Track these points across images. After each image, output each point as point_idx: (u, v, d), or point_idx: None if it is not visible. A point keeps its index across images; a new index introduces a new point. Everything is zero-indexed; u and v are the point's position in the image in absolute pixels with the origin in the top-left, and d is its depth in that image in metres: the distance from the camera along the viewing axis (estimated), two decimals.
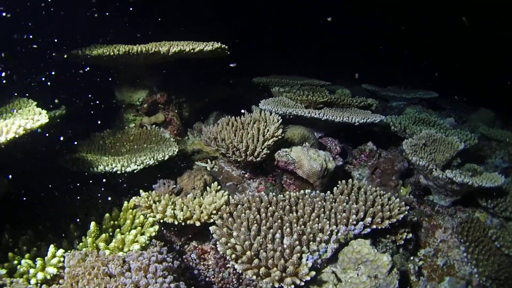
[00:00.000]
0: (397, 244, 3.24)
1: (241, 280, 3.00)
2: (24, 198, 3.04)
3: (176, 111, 4.16)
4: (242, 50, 5.59)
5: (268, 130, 3.41)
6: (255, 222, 2.84)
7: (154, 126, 4.00)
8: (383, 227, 2.98)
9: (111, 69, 4.04)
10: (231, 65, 4.26)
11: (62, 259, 2.54)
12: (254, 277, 2.54)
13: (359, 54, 7.16)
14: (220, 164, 3.77)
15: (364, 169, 4.07)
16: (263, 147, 3.30)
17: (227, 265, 2.99)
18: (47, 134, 3.23)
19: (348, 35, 7.40)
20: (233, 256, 2.63)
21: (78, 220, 3.03)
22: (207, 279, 3.02)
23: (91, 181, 3.37)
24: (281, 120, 3.59)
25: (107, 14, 3.96)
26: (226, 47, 3.80)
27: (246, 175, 3.61)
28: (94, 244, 2.74)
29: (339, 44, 7.31)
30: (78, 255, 2.47)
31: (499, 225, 3.90)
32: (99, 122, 3.93)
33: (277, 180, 3.53)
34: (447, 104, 6.53)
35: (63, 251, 2.59)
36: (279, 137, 3.43)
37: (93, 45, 3.65)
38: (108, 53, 3.50)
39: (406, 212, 3.12)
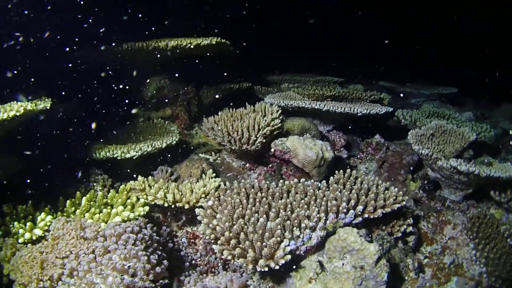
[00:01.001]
0: (395, 236, 2.93)
1: (227, 266, 2.82)
2: (32, 178, 3.08)
3: (183, 106, 4.05)
4: (259, 50, 5.47)
5: (265, 120, 3.22)
6: (240, 206, 2.66)
7: (160, 119, 3.91)
8: (376, 216, 2.70)
9: (124, 66, 3.99)
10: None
11: (49, 223, 2.65)
12: (230, 257, 2.36)
13: (379, 53, 6.78)
14: (223, 156, 3.62)
15: (371, 163, 3.77)
16: (257, 135, 3.11)
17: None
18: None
19: (368, 34, 7.07)
20: (212, 236, 2.48)
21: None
22: (193, 261, 2.88)
23: (93, 167, 3.35)
24: (280, 111, 3.40)
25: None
26: (227, 42, 3.66)
27: (247, 166, 3.43)
28: (81, 216, 2.76)
29: (359, 43, 6.98)
30: (62, 220, 2.59)
31: None
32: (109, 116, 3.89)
33: (276, 171, 3.31)
34: (470, 101, 6.04)
35: (52, 217, 2.69)
36: (276, 126, 3.24)
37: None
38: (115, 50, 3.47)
39: (404, 203, 2.82)
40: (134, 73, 3.90)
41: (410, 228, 2.98)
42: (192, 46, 3.47)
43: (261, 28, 5.72)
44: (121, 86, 3.82)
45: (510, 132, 4.74)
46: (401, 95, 5.77)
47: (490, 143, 4.29)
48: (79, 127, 3.57)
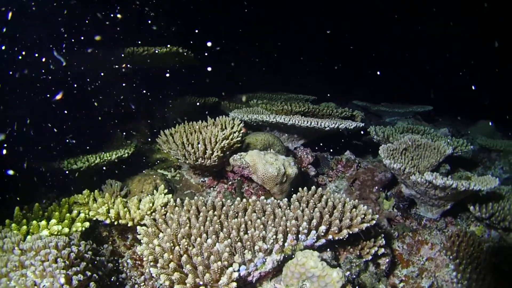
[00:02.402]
0: (365, 259, 2.44)
1: None
2: None
3: (145, 119, 3.59)
4: (235, 69, 5.09)
5: (224, 133, 2.77)
6: (187, 224, 2.18)
7: (118, 131, 3.44)
8: (341, 237, 2.22)
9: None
10: (208, 68, 3.68)
11: None
12: (167, 282, 1.86)
13: (355, 73, 6.43)
14: (182, 173, 3.14)
15: (341, 181, 3.30)
16: (214, 149, 2.65)
17: None
18: None
19: (345, 54, 6.74)
20: (151, 257, 1.98)
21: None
22: (135, 285, 2.36)
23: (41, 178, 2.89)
24: (241, 124, 2.95)
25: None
26: (190, 52, 3.23)
27: (206, 183, 2.95)
28: (7, 227, 2.31)
29: (336, 63, 6.63)
30: None
31: (497, 238, 2.98)
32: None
33: (236, 188, 2.84)
34: (444, 120, 5.64)
35: None
36: (235, 140, 2.77)
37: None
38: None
39: (374, 222, 2.34)
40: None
41: (382, 250, 2.49)
42: (149, 53, 3.03)
43: (236, 45, 5.36)
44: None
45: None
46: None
47: (467, 158, 3.86)
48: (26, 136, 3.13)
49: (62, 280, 1.82)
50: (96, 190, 2.66)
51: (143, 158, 3.32)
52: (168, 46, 3.10)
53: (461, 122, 5.69)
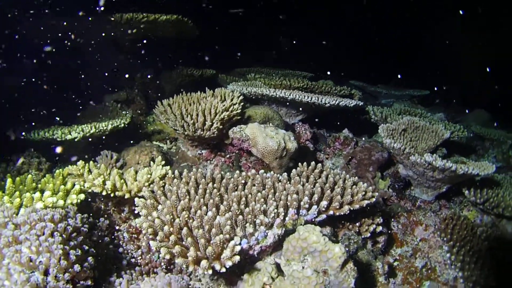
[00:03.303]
0: (363, 237, 2.44)
1: (172, 266, 2.28)
2: None
3: (140, 90, 3.49)
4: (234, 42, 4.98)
5: (223, 104, 2.70)
6: (187, 196, 2.13)
7: (113, 102, 3.34)
8: (342, 213, 2.20)
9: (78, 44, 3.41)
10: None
11: None
12: (168, 256, 1.82)
13: (353, 53, 6.39)
14: (178, 145, 3.08)
15: (338, 158, 3.28)
16: (213, 120, 2.59)
17: None
18: None
19: (343, 32, 6.67)
20: (151, 230, 1.93)
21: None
22: (133, 260, 2.33)
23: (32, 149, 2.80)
24: (241, 97, 2.88)
25: None
26: (189, 21, 3.13)
27: (203, 156, 2.89)
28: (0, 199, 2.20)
29: (334, 41, 6.56)
30: None
31: (490, 223, 3.02)
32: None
33: (234, 162, 2.79)
34: (441, 106, 5.66)
35: None
36: (235, 112, 2.72)
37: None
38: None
39: (374, 199, 2.33)
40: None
41: (380, 228, 2.49)
42: (148, 20, 2.92)
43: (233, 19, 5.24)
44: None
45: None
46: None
47: (462, 144, 3.88)
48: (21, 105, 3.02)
49: (60, 255, 1.76)
50: (91, 161, 2.57)
51: (138, 129, 3.23)
52: (170, 14, 2.99)
53: (457, 109, 5.72)
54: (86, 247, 1.99)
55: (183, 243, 1.91)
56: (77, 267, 1.78)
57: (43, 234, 1.83)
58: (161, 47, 3.75)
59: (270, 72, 4.53)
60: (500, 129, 4.67)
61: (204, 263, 1.77)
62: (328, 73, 4.89)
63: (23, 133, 2.82)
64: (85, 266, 1.86)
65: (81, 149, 2.94)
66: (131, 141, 3.05)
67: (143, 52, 3.61)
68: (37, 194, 2.14)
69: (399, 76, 5.84)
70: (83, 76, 3.50)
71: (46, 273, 1.74)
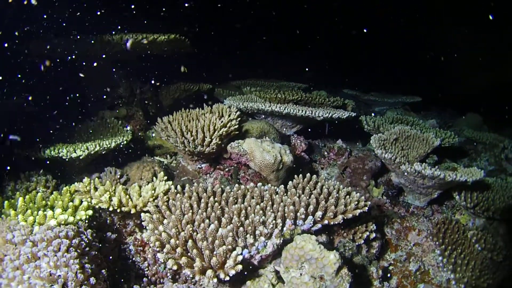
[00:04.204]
0: (357, 243, 2.66)
1: (177, 276, 2.49)
2: None
3: (140, 106, 3.71)
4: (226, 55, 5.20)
5: (221, 121, 2.93)
6: (190, 211, 2.35)
7: (113, 119, 3.55)
8: (336, 222, 2.42)
9: (79, 62, 3.63)
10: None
11: None
12: (175, 267, 2.04)
13: (346, 61, 6.64)
14: (178, 159, 3.30)
15: (333, 168, 3.51)
16: (213, 137, 2.81)
17: None
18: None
19: (336, 42, 6.94)
20: (158, 243, 2.14)
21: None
22: (140, 271, 2.53)
23: (38, 167, 3.00)
24: (238, 113, 3.11)
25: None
26: (186, 39, 3.36)
27: (203, 169, 3.11)
28: (15, 217, 2.37)
29: (326, 50, 6.82)
30: None
31: (482, 226, 3.25)
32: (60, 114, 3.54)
33: (233, 175, 3.01)
34: (434, 111, 5.91)
35: None
36: (232, 128, 2.94)
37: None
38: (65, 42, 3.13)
39: (366, 208, 2.55)
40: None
41: (373, 235, 2.72)
42: (147, 41, 3.15)
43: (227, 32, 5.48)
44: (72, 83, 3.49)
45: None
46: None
47: (455, 149, 4.11)
48: (25, 124, 3.21)
49: (77, 269, 1.96)
50: (96, 178, 2.78)
51: (138, 145, 3.45)
52: (167, 34, 3.21)
53: (449, 113, 5.96)
54: (99, 260, 2.20)
55: (189, 254, 2.13)
56: (92, 280, 1.98)
57: (59, 250, 2.04)
58: (158, 63, 3.98)
59: (265, 84, 4.76)
60: (492, 131, 4.91)
61: (209, 272, 1.98)
62: (325, 87, 5.12)
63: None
64: (100, 279, 2.07)
65: (82, 166, 3.15)
66: (133, 156, 3.26)
67: (140, 68, 3.85)
68: (50, 212, 2.34)
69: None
70: (81, 92, 3.74)
71: (64, 286, 1.94)
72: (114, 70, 3.66)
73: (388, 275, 2.98)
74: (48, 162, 2.99)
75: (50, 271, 1.94)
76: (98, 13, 3.62)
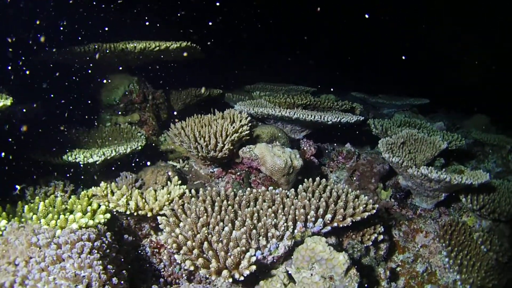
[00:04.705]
0: (366, 245, 2.81)
1: (192, 277, 2.65)
2: None
3: (152, 112, 3.88)
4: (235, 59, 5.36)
5: (233, 126, 3.08)
6: (205, 214, 2.51)
7: (127, 124, 3.73)
8: (345, 225, 2.56)
9: (89, 68, 3.81)
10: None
11: (3, 228, 2.44)
12: (192, 267, 2.19)
13: (353, 64, 6.78)
14: (191, 163, 3.46)
15: (342, 172, 3.65)
16: (225, 142, 2.96)
17: None
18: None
19: (342, 44, 7.08)
20: (175, 245, 2.30)
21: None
22: (156, 272, 2.70)
23: (55, 172, 3.17)
24: (249, 118, 3.26)
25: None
26: (197, 46, 3.52)
27: (215, 173, 3.27)
28: (37, 221, 2.54)
29: (333, 54, 6.98)
30: (15, 225, 2.39)
31: (488, 228, 3.38)
32: (75, 120, 3.71)
33: (244, 179, 3.16)
34: (441, 112, 6.04)
35: (6, 222, 2.49)
36: (244, 133, 3.09)
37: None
38: (78, 50, 3.29)
39: (374, 211, 2.69)
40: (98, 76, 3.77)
41: (381, 237, 2.86)
42: (161, 49, 3.31)
43: (236, 36, 5.64)
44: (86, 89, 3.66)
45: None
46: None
47: (462, 151, 4.24)
48: (40, 130, 3.39)
49: (100, 270, 2.12)
50: (112, 183, 2.94)
51: (151, 149, 3.61)
52: (179, 42, 3.38)
53: (456, 115, 6.09)
54: (119, 262, 2.37)
55: (204, 256, 2.29)
56: (115, 280, 2.14)
57: (83, 252, 2.20)
58: (169, 69, 4.15)
59: (274, 88, 4.91)
60: (499, 133, 5.04)
61: (225, 273, 2.14)
62: (332, 89, 5.26)
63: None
64: (121, 279, 2.23)
65: (97, 170, 3.32)
66: (146, 161, 3.43)
67: (151, 74, 4.03)
68: (72, 216, 2.51)
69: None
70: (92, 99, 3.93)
71: (88, 286, 2.11)
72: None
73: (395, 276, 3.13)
74: (64, 167, 3.17)
75: (75, 272, 2.11)
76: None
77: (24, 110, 3.26)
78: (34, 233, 2.37)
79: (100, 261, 2.17)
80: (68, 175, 3.25)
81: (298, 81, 5.52)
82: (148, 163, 3.42)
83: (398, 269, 3.13)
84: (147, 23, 4.30)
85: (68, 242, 2.25)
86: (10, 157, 3.11)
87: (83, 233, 2.31)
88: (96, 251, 2.23)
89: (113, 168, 3.32)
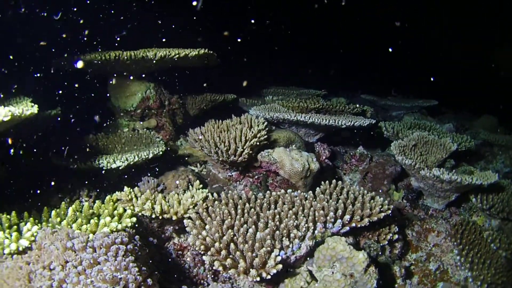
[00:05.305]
0: (381, 244, 3.01)
1: (216, 277, 2.85)
2: (14, 186, 3.10)
3: (169, 117, 4.08)
4: (246, 63, 5.57)
5: (252, 132, 3.29)
6: (229, 216, 2.71)
7: (145, 130, 3.93)
8: (363, 225, 2.77)
9: (107, 74, 4.02)
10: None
11: (36, 233, 2.58)
12: (221, 268, 2.39)
13: (361, 66, 6.99)
14: (208, 167, 3.66)
15: (355, 174, 3.86)
16: (244, 147, 3.17)
17: (204, 262, 2.87)
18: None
19: (351, 46, 7.29)
20: (202, 247, 2.50)
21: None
22: (181, 273, 2.89)
23: (77, 177, 3.36)
24: (266, 123, 3.47)
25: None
26: (214, 53, 3.73)
27: (233, 177, 3.47)
28: (68, 226, 2.72)
29: (341, 56, 7.19)
30: (48, 230, 2.53)
31: (497, 227, 3.59)
32: (94, 125, 3.93)
33: (262, 182, 3.37)
34: (450, 113, 6.25)
35: (38, 227, 2.62)
36: (262, 138, 3.30)
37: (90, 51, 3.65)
38: (99, 58, 3.48)
39: (389, 212, 2.89)
40: (113, 81, 3.98)
41: (396, 236, 3.06)
42: (180, 57, 3.52)
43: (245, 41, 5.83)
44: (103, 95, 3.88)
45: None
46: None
47: (472, 152, 4.44)
48: (62, 136, 3.59)
49: (136, 272, 2.31)
50: (136, 187, 3.14)
51: (168, 154, 3.81)
52: (198, 49, 3.58)
53: (464, 115, 6.31)
54: (149, 263, 2.57)
55: (231, 256, 2.49)
56: (150, 281, 2.34)
57: (117, 254, 2.39)
58: (184, 75, 4.36)
59: (285, 92, 5.12)
60: (508, 133, 5.25)
61: (253, 272, 2.34)
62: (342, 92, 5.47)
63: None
64: (154, 280, 2.43)
65: (118, 175, 3.52)
66: (165, 165, 3.63)
67: (168, 80, 4.24)
68: (102, 221, 2.71)
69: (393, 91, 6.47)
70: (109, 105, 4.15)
71: (124, 287, 2.30)
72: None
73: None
74: (86, 172, 3.36)
75: (112, 274, 2.30)
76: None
77: (59, 119, 3.46)
78: (68, 237, 2.55)
79: (135, 263, 2.37)
80: (87, 181, 3.43)
81: (307, 83, 5.73)
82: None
83: (411, 267, 3.33)
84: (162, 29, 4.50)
85: (103, 246, 2.42)
86: (32, 163, 3.32)
87: (116, 237, 2.49)
88: (130, 254, 2.43)
89: (128, 175, 3.52)
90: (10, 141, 3.11)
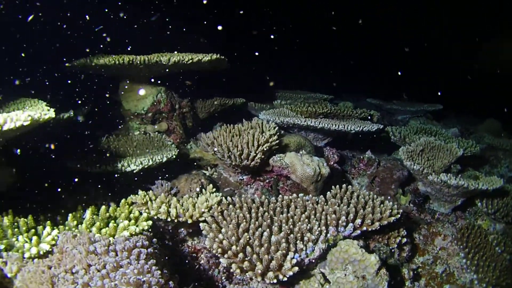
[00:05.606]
0: (391, 248, 3.14)
1: (231, 279, 2.97)
2: (29, 190, 3.16)
3: (179, 120, 4.20)
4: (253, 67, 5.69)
5: (264, 137, 3.41)
6: (244, 220, 2.83)
7: (156, 133, 4.05)
8: (373, 228, 2.89)
9: (118, 78, 4.14)
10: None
11: (56, 237, 2.66)
12: (238, 270, 2.51)
13: (367, 70, 7.13)
14: (219, 171, 3.77)
15: (363, 178, 3.99)
16: (257, 152, 3.29)
17: (219, 264, 2.98)
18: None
19: (356, 50, 7.42)
20: (219, 250, 2.61)
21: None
22: (196, 275, 3.00)
23: (90, 180, 3.45)
24: (277, 128, 3.59)
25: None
26: (225, 58, 3.85)
27: (244, 181, 3.59)
28: (88, 230, 2.81)
29: (347, 60, 7.33)
30: (69, 234, 2.60)
31: (502, 231, 3.73)
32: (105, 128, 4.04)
33: (273, 186, 3.49)
34: (454, 117, 6.40)
35: (58, 231, 2.70)
36: (274, 143, 3.42)
37: (99, 55, 3.75)
38: (112, 62, 3.59)
39: (399, 216, 3.02)
40: (125, 84, 4.10)
41: (405, 239, 3.19)
42: (193, 62, 3.63)
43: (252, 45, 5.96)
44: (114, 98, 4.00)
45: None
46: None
47: (476, 156, 4.58)
48: (76, 139, 3.69)
49: (159, 274, 2.40)
50: (150, 191, 3.24)
51: (179, 158, 3.93)
52: (210, 54, 3.71)
53: (468, 119, 6.45)
54: (169, 266, 2.68)
55: (248, 259, 2.61)
56: (171, 283, 2.45)
57: (139, 258, 2.49)
58: (194, 79, 4.49)
59: (292, 96, 5.25)
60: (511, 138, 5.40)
61: (270, 274, 2.46)
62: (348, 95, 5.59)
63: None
64: (175, 282, 2.54)
65: (131, 178, 3.63)
66: (177, 169, 3.74)
67: (178, 84, 4.36)
68: (122, 224, 2.82)
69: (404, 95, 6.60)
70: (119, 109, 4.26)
71: None
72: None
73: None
74: (99, 175, 3.46)
75: (136, 277, 2.40)
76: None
77: (80, 119, 3.57)
78: (90, 241, 2.64)
79: (157, 266, 2.48)
80: (99, 184, 3.52)
81: (311, 86, 5.86)
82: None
83: (419, 270, 3.47)
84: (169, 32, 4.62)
85: (125, 249, 2.50)
86: (47, 167, 3.43)
87: (137, 240, 2.59)
88: (151, 257, 2.54)
89: (138, 177, 3.62)
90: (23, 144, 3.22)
